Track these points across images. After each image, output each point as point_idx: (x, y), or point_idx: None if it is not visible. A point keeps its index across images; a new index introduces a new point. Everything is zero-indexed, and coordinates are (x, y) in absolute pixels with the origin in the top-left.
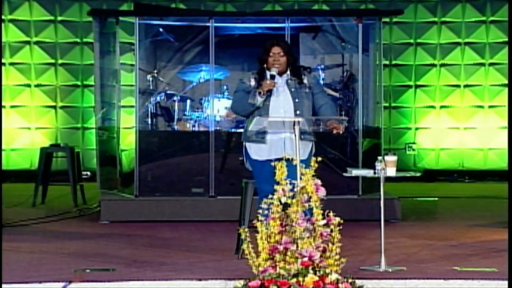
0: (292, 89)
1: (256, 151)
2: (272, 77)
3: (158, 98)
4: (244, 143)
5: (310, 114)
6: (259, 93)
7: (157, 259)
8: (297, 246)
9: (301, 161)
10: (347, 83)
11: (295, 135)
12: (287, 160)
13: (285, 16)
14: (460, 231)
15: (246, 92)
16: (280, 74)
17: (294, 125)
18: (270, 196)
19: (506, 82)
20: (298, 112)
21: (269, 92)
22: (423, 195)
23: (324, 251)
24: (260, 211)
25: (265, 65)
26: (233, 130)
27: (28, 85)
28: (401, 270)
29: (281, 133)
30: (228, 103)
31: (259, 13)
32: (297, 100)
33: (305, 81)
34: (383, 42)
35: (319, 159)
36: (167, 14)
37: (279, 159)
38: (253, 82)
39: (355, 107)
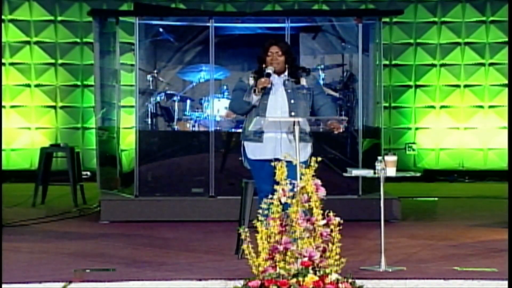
0: (289, 90)
1: (252, 150)
2: (268, 75)
3: (158, 98)
4: (242, 142)
5: (306, 115)
6: (254, 91)
7: (157, 259)
8: (297, 246)
9: (300, 162)
10: (347, 83)
11: (294, 136)
12: (286, 160)
13: (285, 16)
14: (460, 231)
15: (243, 90)
16: (278, 73)
17: (293, 125)
18: (270, 196)
19: (506, 82)
20: (293, 113)
21: (264, 90)
22: (423, 195)
23: (324, 251)
24: (260, 211)
25: (263, 65)
26: (233, 130)
27: (28, 85)
28: (401, 270)
29: (277, 134)
30: (228, 103)
31: (259, 13)
32: (292, 101)
33: (304, 82)
34: (383, 42)
35: (319, 159)
36: (167, 14)
37: (277, 160)
38: (251, 81)
39: (355, 107)
